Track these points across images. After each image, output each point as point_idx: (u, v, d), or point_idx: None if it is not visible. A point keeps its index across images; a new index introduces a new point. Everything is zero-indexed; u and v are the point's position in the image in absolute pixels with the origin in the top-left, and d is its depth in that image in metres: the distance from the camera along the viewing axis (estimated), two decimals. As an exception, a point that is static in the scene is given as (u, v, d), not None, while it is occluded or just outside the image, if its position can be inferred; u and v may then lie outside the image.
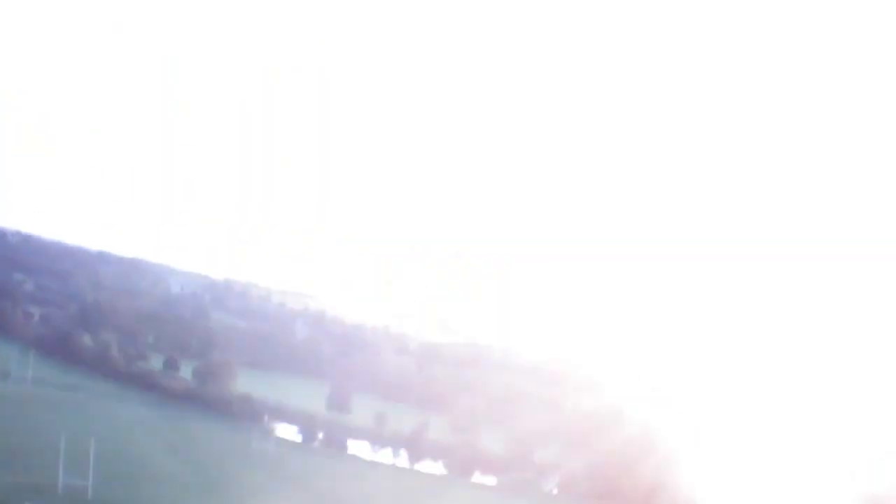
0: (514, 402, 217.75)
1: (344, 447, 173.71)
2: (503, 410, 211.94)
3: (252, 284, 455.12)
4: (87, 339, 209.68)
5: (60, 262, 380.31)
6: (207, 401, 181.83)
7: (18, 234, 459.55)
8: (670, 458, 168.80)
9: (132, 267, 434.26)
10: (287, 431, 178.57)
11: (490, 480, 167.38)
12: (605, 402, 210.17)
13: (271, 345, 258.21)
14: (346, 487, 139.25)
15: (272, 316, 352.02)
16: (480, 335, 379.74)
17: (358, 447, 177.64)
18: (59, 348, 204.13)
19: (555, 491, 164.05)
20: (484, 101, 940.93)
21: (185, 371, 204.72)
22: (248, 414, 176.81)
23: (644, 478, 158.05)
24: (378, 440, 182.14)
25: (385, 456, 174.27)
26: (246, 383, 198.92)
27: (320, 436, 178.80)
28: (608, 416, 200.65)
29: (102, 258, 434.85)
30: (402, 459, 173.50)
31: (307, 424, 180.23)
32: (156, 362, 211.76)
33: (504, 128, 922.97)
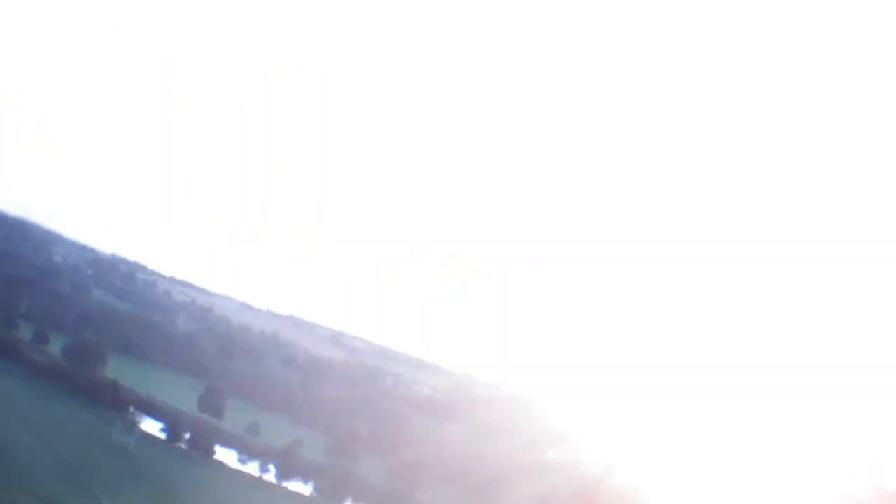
0: (398, 431, 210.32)
1: (210, 452, 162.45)
2: (386, 439, 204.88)
3: (140, 266, 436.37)
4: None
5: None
6: (73, 381, 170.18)
7: None
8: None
9: (15, 227, 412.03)
10: (152, 426, 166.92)
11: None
12: (499, 446, 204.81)
13: (149, 333, 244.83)
14: (202, 496, 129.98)
15: (155, 303, 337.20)
16: (376, 356, 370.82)
17: (225, 454, 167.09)
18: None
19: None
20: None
21: (55, 346, 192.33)
22: (113, 402, 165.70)
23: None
24: (248, 450, 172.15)
25: (252, 468, 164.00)
26: (116, 369, 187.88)
27: (187, 436, 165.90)
28: (498, 459, 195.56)
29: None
30: (271, 474, 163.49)
31: (174, 422, 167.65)
32: (25, 332, 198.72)
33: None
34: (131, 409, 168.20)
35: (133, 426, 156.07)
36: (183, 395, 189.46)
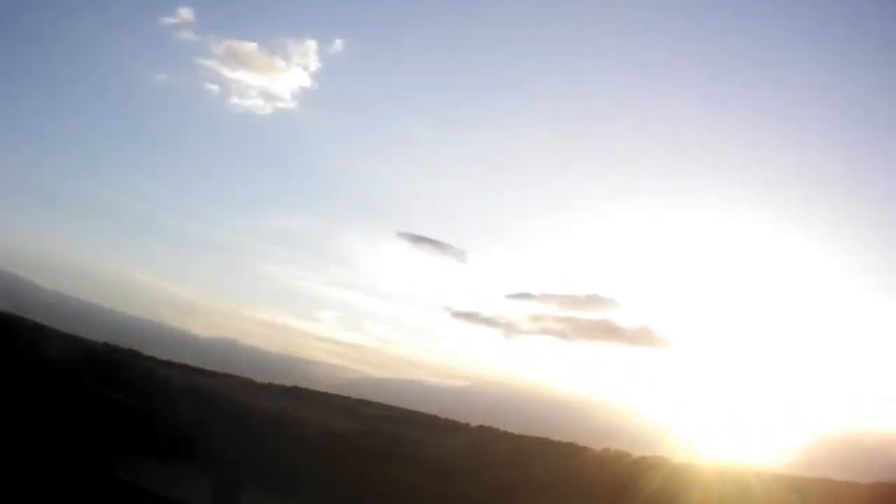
0: (415, 502, 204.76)
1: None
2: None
3: (135, 353, 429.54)
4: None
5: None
6: (85, 490, 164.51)
7: None
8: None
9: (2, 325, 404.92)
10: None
11: None
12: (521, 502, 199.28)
13: (154, 427, 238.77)
14: None
15: (156, 393, 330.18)
16: (388, 421, 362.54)
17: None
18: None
19: None
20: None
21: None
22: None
23: None
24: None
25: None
26: (127, 471, 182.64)
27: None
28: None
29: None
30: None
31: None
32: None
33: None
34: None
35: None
36: (197, 490, 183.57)
